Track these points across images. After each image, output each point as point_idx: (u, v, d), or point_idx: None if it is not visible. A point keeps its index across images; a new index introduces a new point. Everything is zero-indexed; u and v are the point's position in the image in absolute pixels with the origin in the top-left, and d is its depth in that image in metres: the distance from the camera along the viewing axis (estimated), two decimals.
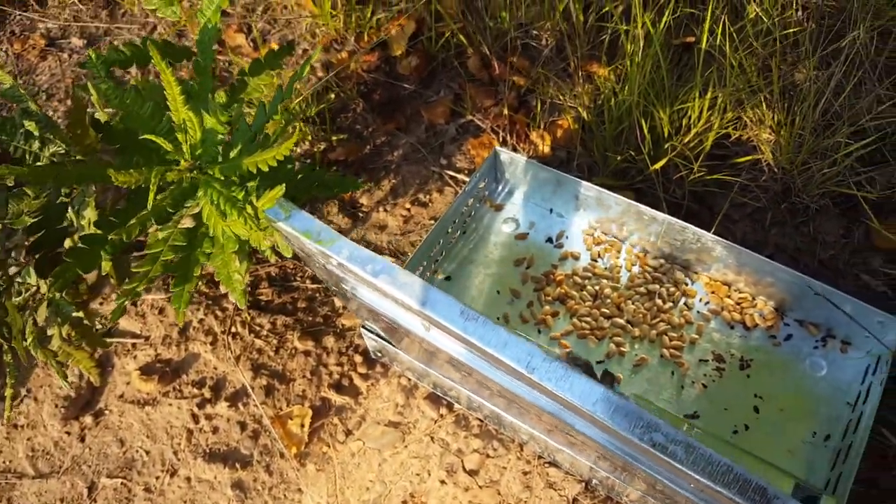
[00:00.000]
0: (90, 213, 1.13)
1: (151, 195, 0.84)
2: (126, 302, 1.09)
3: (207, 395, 1.44)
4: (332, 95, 1.81)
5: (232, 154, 1.02)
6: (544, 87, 1.75)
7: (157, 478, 1.37)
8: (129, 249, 1.28)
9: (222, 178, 0.92)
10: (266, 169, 0.89)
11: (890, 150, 1.55)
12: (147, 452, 1.40)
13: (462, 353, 0.98)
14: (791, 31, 1.64)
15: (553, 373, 0.78)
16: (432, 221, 1.62)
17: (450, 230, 1.49)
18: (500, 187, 1.61)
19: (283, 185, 0.85)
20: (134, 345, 1.51)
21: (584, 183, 1.46)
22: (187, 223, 1.02)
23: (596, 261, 1.51)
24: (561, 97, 1.72)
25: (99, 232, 1.02)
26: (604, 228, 1.53)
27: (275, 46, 1.92)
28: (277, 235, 1.06)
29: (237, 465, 1.36)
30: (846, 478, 1.15)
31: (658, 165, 1.53)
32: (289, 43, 1.92)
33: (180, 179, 0.90)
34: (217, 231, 0.93)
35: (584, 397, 0.77)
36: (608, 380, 1.33)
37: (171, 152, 0.90)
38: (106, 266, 1.16)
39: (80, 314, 1.20)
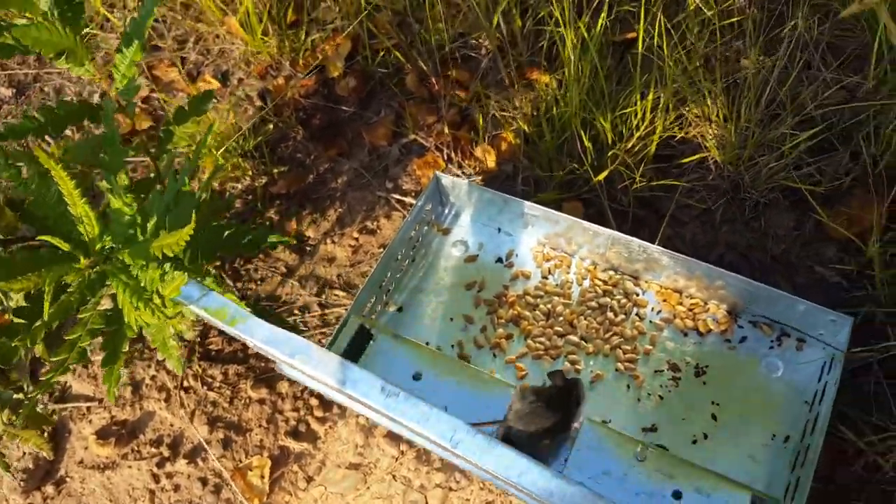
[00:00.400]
0: (17, 297, 1.10)
1: (46, 305, 0.82)
2: (56, 378, 1.07)
3: (166, 453, 1.42)
4: (271, 126, 1.77)
5: (149, 226, 0.99)
6: (485, 99, 1.71)
7: None
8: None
9: (132, 263, 0.89)
10: (171, 254, 0.86)
11: (837, 138, 1.53)
12: None
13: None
14: (735, 19, 1.61)
15: (477, 446, 0.76)
16: (381, 250, 1.59)
17: (398, 258, 1.47)
18: (445, 210, 1.58)
19: (186, 273, 0.82)
20: (88, 408, 1.49)
21: (528, 203, 1.43)
22: (106, 304, 0.99)
23: (547, 278, 1.49)
24: (502, 110, 1.69)
25: (20, 321, 0.99)
26: (552, 244, 1.51)
27: (209, 79, 1.88)
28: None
29: None
30: (804, 481, 1.15)
31: (601, 177, 1.51)
32: (223, 73, 1.88)
33: (82, 277, 0.87)
34: (130, 320, 0.90)
35: (509, 469, 0.75)
36: (559, 378, 1.29)
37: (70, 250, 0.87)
38: (38, 348, 1.13)
39: (21, 396, 1.18)
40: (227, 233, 1.18)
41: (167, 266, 0.97)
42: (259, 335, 0.84)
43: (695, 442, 1.29)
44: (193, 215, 0.89)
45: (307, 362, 0.82)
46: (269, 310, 1.52)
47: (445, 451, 0.79)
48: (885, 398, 1.29)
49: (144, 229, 0.98)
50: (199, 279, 0.92)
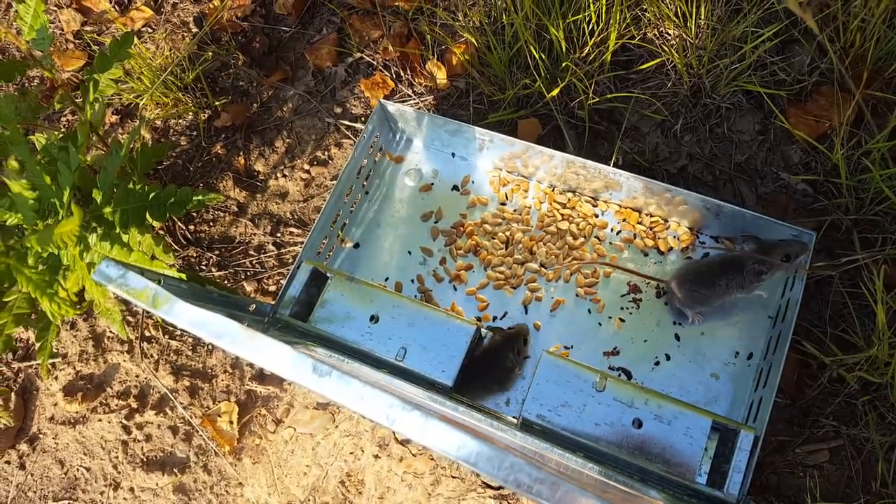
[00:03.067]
0: None
1: None
2: None
3: (134, 404, 1.42)
4: (210, 54, 1.66)
5: (64, 199, 0.93)
6: (432, 9, 1.59)
7: (102, 493, 1.39)
8: None
9: (39, 249, 0.84)
10: (71, 241, 0.81)
11: (802, 34, 1.44)
12: (88, 470, 1.41)
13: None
14: None
15: (413, 423, 0.75)
16: (334, 182, 1.53)
17: (349, 193, 1.41)
18: (396, 137, 1.51)
19: (87, 267, 0.78)
20: (53, 364, 1.48)
21: (479, 129, 1.36)
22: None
23: (504, 204, 1.44)
24: (451, 20, 1.57)
25: None
26: (509, 167, 1.45)
27: (141, 7, 1.74)
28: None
29: (176, 470, 1.38)
30: (767, 399, 1.16)
31: (554, 92, 1.43)
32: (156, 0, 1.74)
33: None
34: (46, 309, 0.86)
35: (446, 445, 0.74)
36: (498, 333, 1.31)
37: None
38: None
39: None
40: (151, 195, 1.11)
41: (92, 237, 0.92)
42: (183, 317, 0.81)
43: (657, 363, 1.30)
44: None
45: (234, 344, 0.79)
46: (222, 255, 1.48)
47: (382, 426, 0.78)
48: (849, 311, 1.28)
49: (61, 202, 0.93)
50: (123, 250, 0.87)
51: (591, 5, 1.40)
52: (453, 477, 1.29)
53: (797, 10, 0.53)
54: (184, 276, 1.13)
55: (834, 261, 1.30)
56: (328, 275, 1.30)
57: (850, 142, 1.34)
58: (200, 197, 1.15)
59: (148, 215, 1.10)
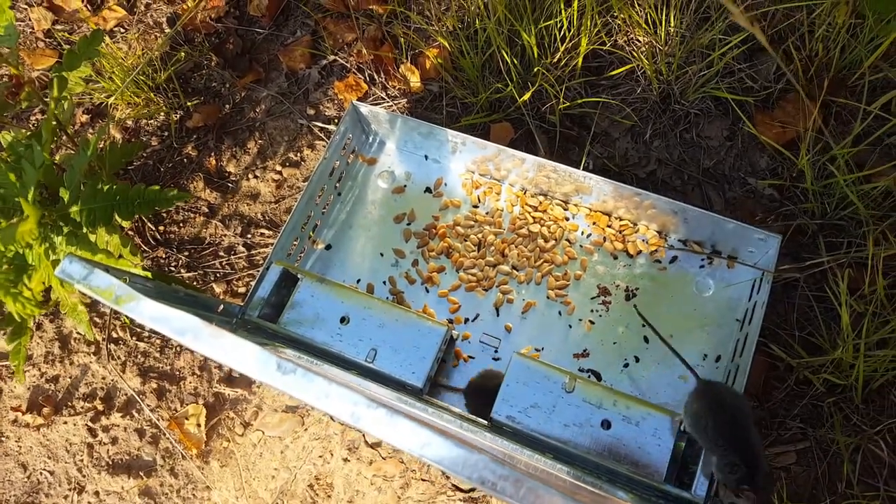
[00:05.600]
0: None
1: None
2: None
3: (100, 407, 1.40)
4: (182, 55, 1.65)
5: (29, 197, 0.92)
6: (405, 13, 1.60)
7: (66, 497, 1.36)
8: None
9: (2, 248, 0.82)
10: (25, 246, 0.79)
11: (769, 42, 1.47)
12: (51, 473, 1.38)
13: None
14: None
15: (378, 420, 0.75)
16: (307, 183, 1.53)
17: (321, 194, 1.41)
18: (369, 139, 1.51)
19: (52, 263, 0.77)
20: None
21: (451, 132, 1.36)
22: None
23: (477, 206, 1.45)
24: (425, 24, 1.58)
25: None
26: (481, 170, 1.45)
27: (114, 6, 1.73)
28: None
29: (142, 473, 1.36)
30: None
31: (526, 97, 1.44)
32: None
33: None
34: (11, 309, 0.85)
35: (411, 442, 0.74)
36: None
37: None
38: None
39: None
40: (119, 194, 1.10)
41: (58, 238, 0.91)
42: (146, 314, 0.80)
43: (626, 365, 1.31)
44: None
45: (197, 341, 0.78)
46: (192, 257, 1.46)
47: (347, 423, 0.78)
48: (815, 315, 1.30)
49: (27, 200, 0.91)
50: (91, 250, 0.86)
51: (563, 11, 1.42)
52: (423, 480, 1.29)
53: (746, 24, 0.54)
54: (149, 274, 1.12)
55: (799, 264, 1.32)
56: (298, 276, 1.29)
57: (816, 147, 1.36)
58: (169, 196, 1.14)
59: (116, 214, 1.08)
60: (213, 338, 0.79)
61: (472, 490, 1.27)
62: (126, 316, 1.44)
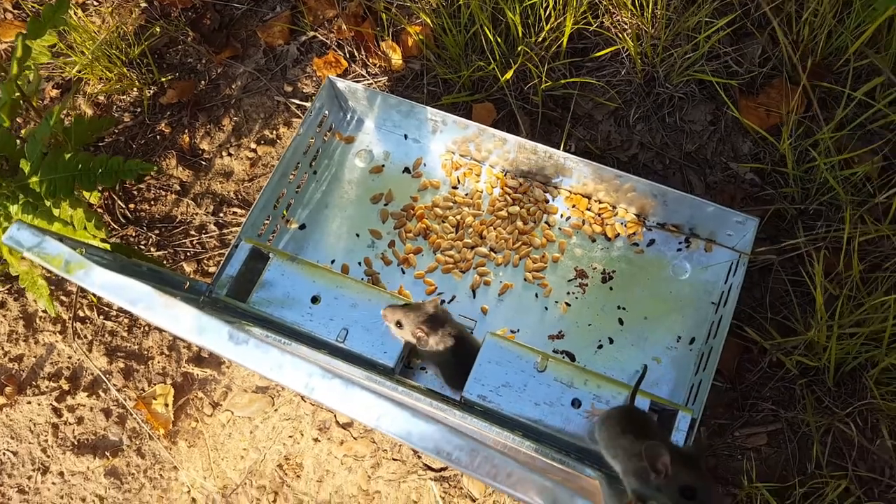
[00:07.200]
0: None
1: None
2: None
3: (65, 386, 1.37)
4: (157, 29, 1.61)
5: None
6: None
7: (30, 477, 1.33)
8: None
9: None
10: None
11: (755, 25, 1.45)
12: (14, 454, 1.35)
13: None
14: None
15: (333, 391, 0.72)
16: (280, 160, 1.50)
17: (295, 173, 1.38)
18: (347, 117, 1.48)
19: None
20: None
21: (432, 109, 1.34)
22: None
23: (456, 187, 1.42)
24: (407, 0, 1.55)
25: None
26: (462, 150, 1.43)
27: None
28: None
29: (108, 453, 1.33)
30: (705, 384, 1.15)
31: (508, 75, 1.41)
32: None
33: None
34: None
35: (367, 413, 0.71)
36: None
37: None
38: None
39: None
40: (80, 164, 1.07)
41: (13, 208, 0.88)
42: (98, 282, 0.77)
43: (600, 347, 1.29)
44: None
45: (149, 310, 0.76)
46: (162, 235, 1.43)
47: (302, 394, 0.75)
48: (791, 299, 1.29)
49: None
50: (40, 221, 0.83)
51: None
52: (394, 459, 1.26)
53: None
54: (108, 246, 1.09)
55: (776, 246, 1.30)
56: (269, 255, 1.26)
57: (798, 130, 1.35)
58: (133, 166, 1.11)
59: (78, 185, 1.05)
60: (166, 307, 0.76)
61: (444, 469, 1.25)
62: (90, 293, 1.41)
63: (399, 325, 1.13)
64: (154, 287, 0.76)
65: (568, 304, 1.32)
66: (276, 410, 1.31)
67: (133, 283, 0.77)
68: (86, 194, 1.37)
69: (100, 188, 1.45)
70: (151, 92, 1.57)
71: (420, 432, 0.70)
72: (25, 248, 0.79)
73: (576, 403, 1.13)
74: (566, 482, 0.84)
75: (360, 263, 1.38)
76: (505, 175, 1.41)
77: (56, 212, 1.16)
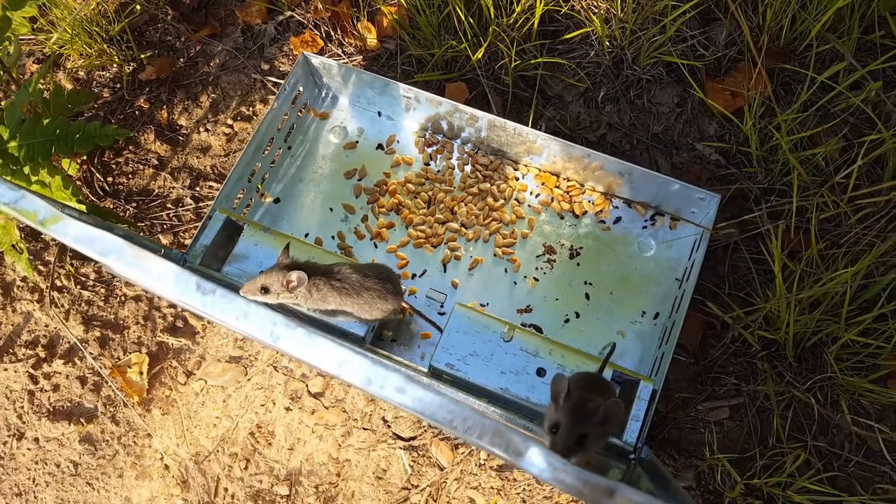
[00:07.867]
0: None
1: None
2: None
3: (42, 354, 1.39)
4: (138, 7, 1.63)
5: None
6: None
7: (5, 443, 1.35)
8: None
9: None
10: None
11: (721, 9, 1.49)
12: None
13: None
14: None
15: (297, 339, 0.75)
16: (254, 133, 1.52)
17: (269, 147, 1.40)
18: (322, 94, 1.50)
19: None
20: None
21: (404, 86, 1.37)
22: None
23: (428, 164, 1.45)
24: None
25: None
26: (434, 128, 1.46)
27: None
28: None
29: (83, 420, 1.35)
30: (667, 354, 1.19)
31: (478, 55, 1.44)
32: None
33: None
34: None
35: (329, 361, 0.74)
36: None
37: None
38: None
39: None
40: (58, 130, 1.09)
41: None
42: (72, 234, 0.79)
43: (567, 321, 1.33)
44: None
45: (120, 261, 0.78)
46: (139, 208, 1.45)
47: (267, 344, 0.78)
48: (752, 276, 1.33)
49: None
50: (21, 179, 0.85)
51: None
52: (364, 429, 1.29)
53: None
54: (84, 207, 1.11)
55: (737, 219, 1.34)
56: (243, 225, 1.29)
57: (761, 111, 1.39)
58: (109, 132, 1.13)
59: (55, 150, 1.07)
60: (136, 258, 0.78)
61: (413, 438, 1.28)
62: (67, 263, 1.42)
63: (265, 290, 1.11)
64: (126, 241, 0.78)
65: (536, 279, 1.35)
66: (248, 380, 1.34)
67: (105, 234, 0.79)
68: (65, 164, 1.38)
69: (79, 161, 1.47)
70: (131, 68, 1.59)
71: (380, 378, 0.73)
72: (3, 203, 0.81)
73: (541, 372, 1.16)
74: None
75: (333, 237, 1.41)
76: (476, 152, 1.45)
77: (35, 178, 1.18)
